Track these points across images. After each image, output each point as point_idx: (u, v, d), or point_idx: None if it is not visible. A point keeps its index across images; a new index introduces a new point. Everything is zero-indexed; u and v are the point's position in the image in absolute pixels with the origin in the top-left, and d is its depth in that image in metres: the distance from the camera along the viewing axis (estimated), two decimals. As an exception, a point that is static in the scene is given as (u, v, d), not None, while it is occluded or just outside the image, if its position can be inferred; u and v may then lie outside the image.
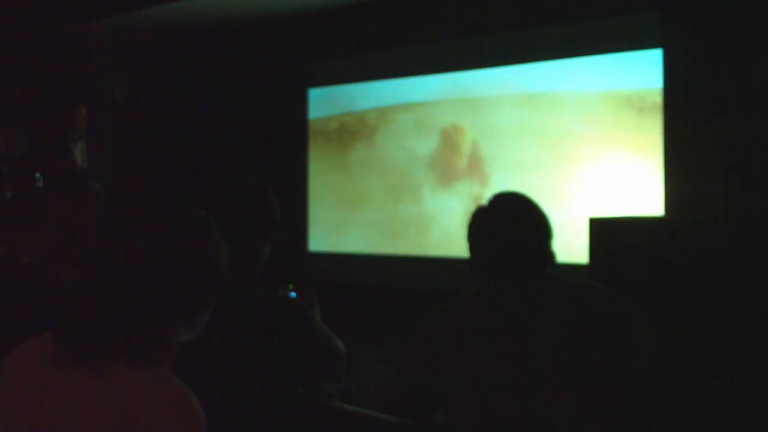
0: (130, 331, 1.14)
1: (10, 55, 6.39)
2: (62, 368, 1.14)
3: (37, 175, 4.81)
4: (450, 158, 5.84)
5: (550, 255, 1.78)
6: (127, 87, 7.17)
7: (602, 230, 2.85)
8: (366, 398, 2.28)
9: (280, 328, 1.81)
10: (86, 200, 2.04)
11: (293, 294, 2.23)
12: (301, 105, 6.62)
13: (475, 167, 5.72)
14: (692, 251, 2.61)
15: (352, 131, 6.37)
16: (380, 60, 6.22)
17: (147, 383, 1.11)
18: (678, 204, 4.70)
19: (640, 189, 4.97)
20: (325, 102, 6.55)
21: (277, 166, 6.51)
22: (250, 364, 1.76)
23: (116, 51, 7.07)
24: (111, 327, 1.14)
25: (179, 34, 6.88)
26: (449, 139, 5.86)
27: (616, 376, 1.67)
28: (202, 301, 1.23)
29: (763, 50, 4.40)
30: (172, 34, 6.89)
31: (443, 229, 5.87)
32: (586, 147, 5.20)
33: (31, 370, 1.17)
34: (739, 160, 4.50)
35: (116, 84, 7.13)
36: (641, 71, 4.99)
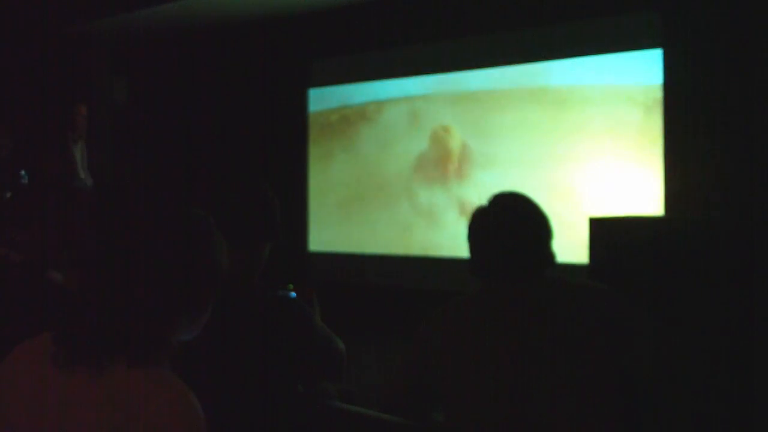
0: (130, 331, 1.14)
1: (10, 55, 6.39)
2: (62, 368, 1.14)
3: (22, 172, 4.80)
4: (446, 157, 5.85)
5: (551, 255, 1.78)
6: (127, 87, 7.16)
7: (602, 229, 2.86)
8: (366, 398, 2.28)
9: (280, 328, 1.81)
10: (72, 199, 2.03)
11: (293, 294, 2.23)
12: (300, 105, 6.61)
13: (475, 165, 5.72)
14: (692, 251, 2.61)
15: (351, 126, 6.36)
16: (380, 60, 6.22)
17: (147, 383, 1.11)
18: (678, 204, 4.70)
19: (640, 187, 4.96)
20: (323, 99, 6.55)
21: (277, 166, 6.51)
22: (250, 364, 1.76)
23: (116, 51, 7.07)
24: (111, 327, 1.14)
25: (179, 34, 6.87)
26: (443, 140, 5.87)
27: (615, 377, 1.67)
28: (202, 301, 1.23)
29: (764, 50, 4.40)
30: (172, 34, 6.88)
31: (444, 229, 5.87)
32: (586, 144, 5.20)
33: (31, 371, 1.17)
34: (739, 160, 4.50)
35: (116, 84, 7.12)
36: (643, 68, 4.99)
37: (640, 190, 4.95)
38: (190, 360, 1.26)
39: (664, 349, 1.81)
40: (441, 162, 5.87)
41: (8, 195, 4.71)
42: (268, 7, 6.19)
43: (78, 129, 5.78)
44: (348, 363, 2.01)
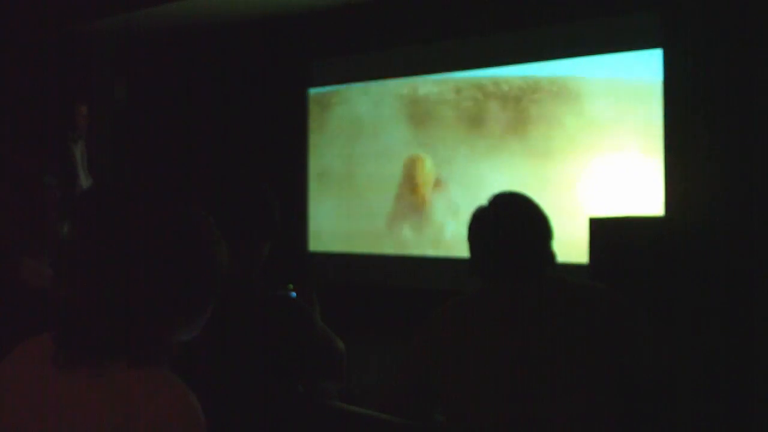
0: (130, 331, 1.14)
1: (10, 55, 6.39)
2: (62, 369, 1.14)
3: None
4: (418, 189, 5.94)
5: (551, 255, 1.78)
6: (127, 87, 7.16)
7: (602, 229, 2.86)
8: (366, 398, 2.28)
9: (280, 328, 1.81)
10: (38, 194, 2.01)
11: (293, 294, 2.22)
12: (301, 105, 6.61)
13: (473, 162, 5.72)
14: (692, 251, 2.61)
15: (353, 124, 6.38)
16: (380, 60, 6.22)
17: (147, 383, 1.11)
18: (678, 204, 4.70)
19: (640, 186, 4.97)
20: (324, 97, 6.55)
21: (277, 166, 6.51)
22: (250, 364, 1.76)
23: (116, 51, 7.07)
24: (111, 327, 1.14)
25: (179, 34, 6.87)
26: (412, 170, 5.95)
27: (615, 377, 1.67)
28: (202, 301, 1.23)
29: (764, 51, 4.40)
30: (172, 34, 6.88)
31: (445, 229, 5.86)
32: (587, 140, 5.20)
33: (31, 371, 1.17)
34: (740, 161, 4.50)
35: (116, 84, 7.12)
36: (643, 65, 5.00)
37: (642, 189, 4.95)
38: (190, 360, 1.25)
39: (663, 349, 1.80)
40: (414, 194, 5.95)
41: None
42: (268, 7, 6.19)
43: (78, 129, 5.78)
44: (348, 363, 2.01)
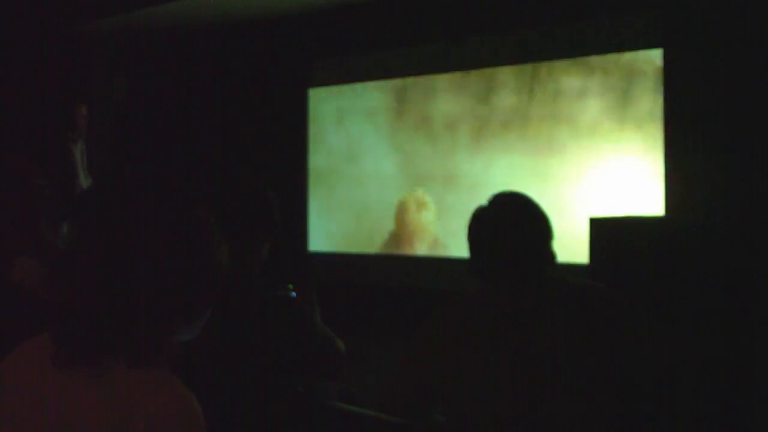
0: (130, 331, 1.14)
1: (10, 55, 6.39)
2: (62, 369, 1.13)
3: None
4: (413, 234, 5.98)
5: (551, 255, 1.78)
6: (127, 87, 7.16)
7: (602, 230, 2.86)
8: (366, 398, 2.28)
9: (280, 328, 1.81)
10: (30, 195, 2.01)
11: (293, 294, 2.22)
12: (300, 105, 6.62)
13: (473, 161, 5.72)
14: (692, 251, 2.61)
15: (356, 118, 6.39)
16: (380, 60, 6.22)
17: (147, 383, 1.11)
18: (678, 204, 4.70)
19: (640, 186, 4.97)
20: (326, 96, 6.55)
21: (277, 167, 6.51)
22: (250, 364, 1.76)
23: (116, 51, 7.07)
24: (111, 327, 1.14)
25: (179, 34, 6.87)
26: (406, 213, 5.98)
27: (615, 377, 1.67)
28: (202, 301, 1.23)
29: (764, 50, 4.40)
30: (172, 34, 6.88)
31: (445, 229, 5.87)
32: (586, 140, 5.20)
33: (31, 371, 1.17)
34: (740, 161, 4.50)
35: (116, 84, 7.12)
36: (643, 65, 5.00)
37: (642, 188, 4.95)
38: (190, 360, 1.25)
39: (664, 348, 1.81)
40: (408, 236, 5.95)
41: None
42: (268, 7, 6.19)
43: (78, 129, 5.77)
44: (348, 363, 2.01)
